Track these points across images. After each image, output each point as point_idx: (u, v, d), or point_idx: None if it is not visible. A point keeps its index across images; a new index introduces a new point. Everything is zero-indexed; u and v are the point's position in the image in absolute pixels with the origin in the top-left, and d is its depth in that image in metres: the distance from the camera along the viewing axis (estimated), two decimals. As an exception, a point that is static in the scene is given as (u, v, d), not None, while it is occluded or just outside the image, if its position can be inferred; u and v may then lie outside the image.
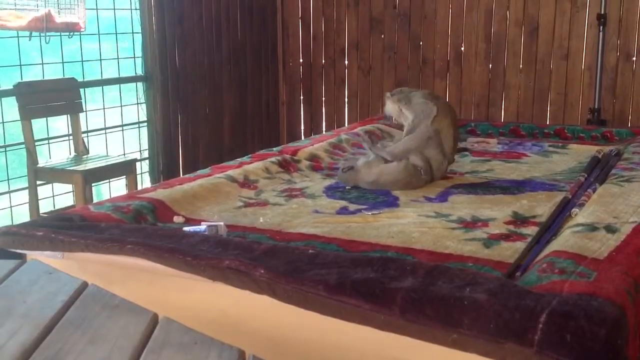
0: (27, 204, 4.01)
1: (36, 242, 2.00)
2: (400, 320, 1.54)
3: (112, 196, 3.74)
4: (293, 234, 2.24)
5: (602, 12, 4.77)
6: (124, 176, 4.26)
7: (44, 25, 3.93)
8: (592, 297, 1.51)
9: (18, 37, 3.99)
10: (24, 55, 4.10)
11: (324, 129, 5.85)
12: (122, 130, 4.80)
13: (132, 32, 4.78)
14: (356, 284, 1.62)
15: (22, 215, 4.04)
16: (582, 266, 1.73)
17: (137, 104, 4.89)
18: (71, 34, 4.21)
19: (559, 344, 1.38)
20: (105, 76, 4.66)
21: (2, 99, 3.99)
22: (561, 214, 2.32)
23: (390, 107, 3.13)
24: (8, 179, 4.09)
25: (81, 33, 4.29)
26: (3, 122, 4.03)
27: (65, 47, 4.31)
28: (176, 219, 2.40)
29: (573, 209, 2.31)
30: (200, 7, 5.12)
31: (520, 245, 2.08)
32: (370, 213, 2.48)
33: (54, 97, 4.13)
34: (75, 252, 1.98)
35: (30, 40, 4.01)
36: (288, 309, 1.67)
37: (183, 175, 4.13)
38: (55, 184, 4.25)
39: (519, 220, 2.38)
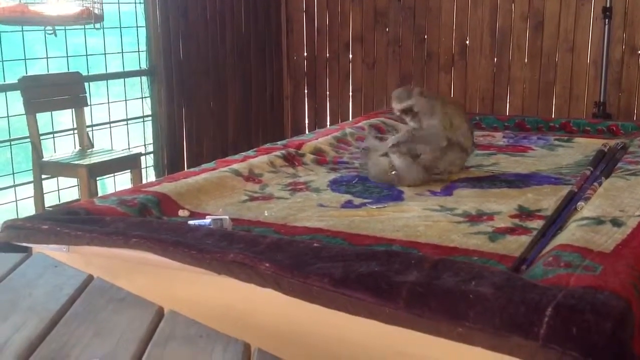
0: (32, 198, 4.02)
1: (41, 235, 2.00)
2: (406, 313, 1.53)
3: (117, 190, 3.75)
4: (298, 228, 2.24)
5: (608, 5, 4.74)
6: (129, 170, 4.26)
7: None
8: (598, 290, 1.51)
9: (22, 31, 3.99)
10: (28, 49, 4.10)
11: (328, 123, 5.84)
12: (127, 124, 4.81)
13: (137, 26, 4.78)
14: (361, 277, 1.61)
15: (27, 209, 4.05)
16: (588, 260, 1.73)
17: (142, 98, 4.89)
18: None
19: (565, 338, 1.38)
20: (109, 70, 4.66)
21: (7, 93, 3.99)
22: (567, 207, 2.31)
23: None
24: (13, 173, 4.10)
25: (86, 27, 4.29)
26: (8, 116, 4.04)
27: (70, 40, 4.31)
28: (181, 212, 2.40)
29: (579, 203, 2.31)
30: (204, 1, 5.11)
31: (526, 239, 2.08)
32: (375, 207, 2.48)
33: (59, 91, 4.14)
34: (80, 246, 1.98)
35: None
36: (293, 302, 1.67)
37: (187, 169, 4.13)
38: (60, 178, 4.26)
39: (524, 213, 2.37)
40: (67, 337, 1.27)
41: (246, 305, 1.79)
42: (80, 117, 4.20)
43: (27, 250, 2.01)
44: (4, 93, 3.99)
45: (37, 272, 1.57)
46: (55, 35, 3.96)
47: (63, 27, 4.10)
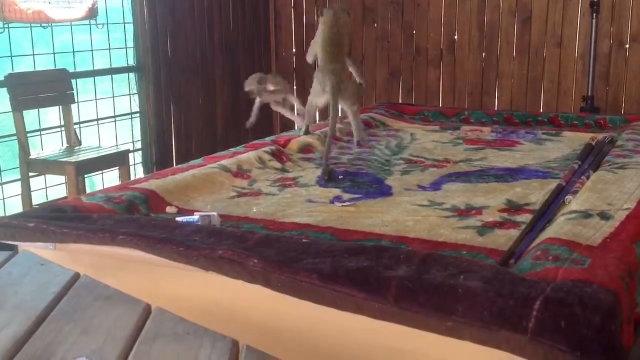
0: (20, 196, 3.99)
1: (28, 233, 1.98)
2: (395, 308, 1.53)
3: (104, 187, 3.72)
4: (287, 224, 2.23)
5: (595, -1, 4.76)
6: (117, 167, 4.24)
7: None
8: (586, 283, 1.51)
9: (8, 27, 3.96)
10: (14, 46, 4.07)
11: (317, 119, 5.82)
12: (115, 121, 4.78)
13: (124, 22, 4.75)
14: (350, 272, 1.61)
15: (15, 207, 4.03)
16: (576, 253, 1.73)
17: (129, 94, 4.87)
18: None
19: (553, 331, 1.38)
20: (96, 67, 4.63)
21: (-7, 90, 3.96)
22: (555, 201, 2.32)
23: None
24: (0, 171, 4.07)
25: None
26: (-6, 114, 4.01)
27: (56, 37, 4.28)
28: (169, 209, 2.39)
29: (567, 196, 2.31)
30: (192, -3, 5.09)
31: (514, 233, 2.08)
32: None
33: (46, 88, 4.11)
34: (67, 243, 1.96)
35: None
36: (282, 298, 1.67)
37: (176, 166, 4.11)
38: (48, 176, 4.23)
39: (512, 207, 2.38)
40: (53, 335, 1.26)
41: (234, 301, 1.79)
42: (67, 114, 4.17)
43: (13, 249, 1.99)
44: (-10, 90, 3.96)
45: (23, 271, 1.57)
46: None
47: (49, 24, 4.07)
